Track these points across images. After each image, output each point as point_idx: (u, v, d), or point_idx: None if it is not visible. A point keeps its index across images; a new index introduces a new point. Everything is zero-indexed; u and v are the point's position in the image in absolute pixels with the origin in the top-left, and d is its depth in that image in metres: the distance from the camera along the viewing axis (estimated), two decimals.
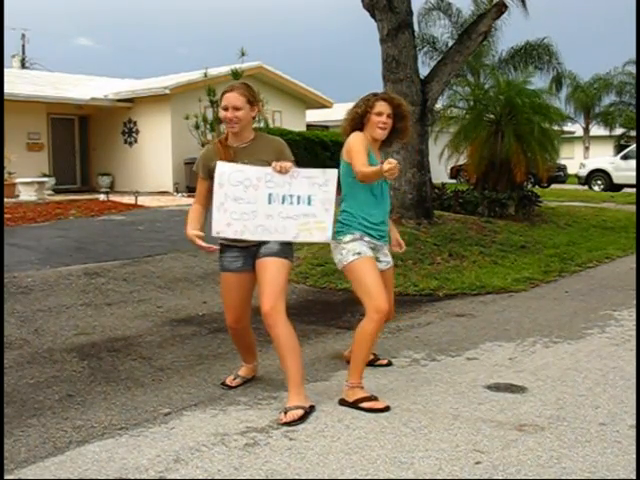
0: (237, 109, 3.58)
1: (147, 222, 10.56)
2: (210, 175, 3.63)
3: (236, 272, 3.71)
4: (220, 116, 3.66)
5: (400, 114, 3.92)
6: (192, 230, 3.62)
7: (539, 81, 22.67)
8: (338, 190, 3.67)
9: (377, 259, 3.92)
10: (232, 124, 3.60)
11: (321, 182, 3.60)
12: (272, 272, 3.57)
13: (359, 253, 3.75)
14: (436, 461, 2.96)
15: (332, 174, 3.62)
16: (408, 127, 4.01)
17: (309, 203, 3.59)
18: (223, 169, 3.53)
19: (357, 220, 3.83)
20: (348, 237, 3.79)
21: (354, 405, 3.59)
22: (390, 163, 3.34)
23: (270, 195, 3.55)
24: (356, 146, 3.77)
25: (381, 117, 3.84)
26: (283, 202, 3.56)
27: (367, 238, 3.84)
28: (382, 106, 3.84)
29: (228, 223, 3.54)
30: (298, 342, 3.61)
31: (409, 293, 6.69)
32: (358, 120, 3.90)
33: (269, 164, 3.59)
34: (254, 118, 3.72)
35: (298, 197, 3.58)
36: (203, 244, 3.58)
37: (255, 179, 3.54)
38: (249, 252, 3.68)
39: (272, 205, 3.55)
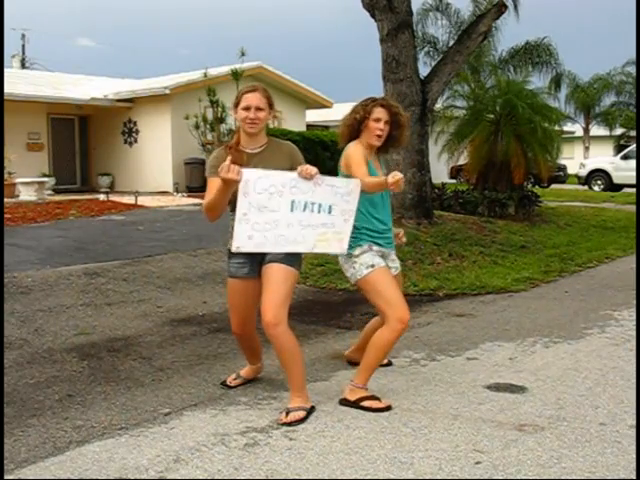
0: (260, 110, 3.54)
1: (147, 222, 10.56)
2: None
3: (242, 278, 3.68)
4: (240, 117, 3.56)
5: (397, 122, 3.85)
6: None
7: (539, 81, 22.65)
8: None
9: (386, 265, 3.87)
10: (253, 124, 3.55)
11: (344, 192, 3.55)
12: (276, 280, 3.52)
13: (372, 265, 3.72)
14: (436, 461, 2.96)
15: (356, 184, 3.58)
16: (404, 135, 3.94)
17: (330, 212, 3.54)
18: (248, 176, 3.39)
19: (361, 232, 3.78)
20: (357, 250, 3.75)
21: (355, 404, 3.60)
22: (395, 177, 3.35)
23: (293, 202, 3.47)
24: (355, 158, 3.74)
25: (379, 123, 3.78)
26: (304, 209, 3.50)
27: (376, 247, 3.80)
28: (380, 112, 3.79)
29: (249, 235, 3.44)
30: (299, 347, 3.60)
31: (409, 293, 6.67)
32: (357, 126, 3.85)
33: (283, 170, 3.53)
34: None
35: (319, 205, 3.52)
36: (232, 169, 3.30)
37: (280, 185, 3.45)
38: (255, 258, 3.63)
39: (294, 213, 3.48)
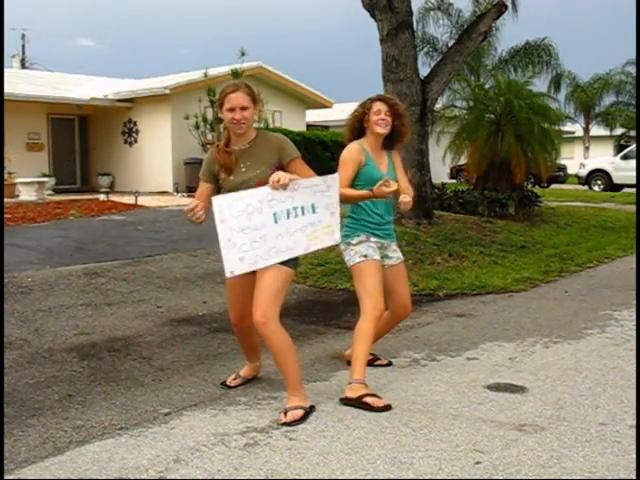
0: (244, 109, 3.52)
1: (147, 222, 10.56)
2: (214, 179, 3.64)
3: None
4: (226, 118, 3.56)
5: (396, 112, 4.05)
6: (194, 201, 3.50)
7: (539, 81, 22.70)
8: None
9: (386, 256, 4.10)
10: (240, 125, 3.53)
11: (323, 189, 3.57)
12: (267, 279, 3.51)
13: (365, 256, 3.94)
14: (436, 461, 2.96)
15: (333, 179, 3.61)
16: (405, 125, 4.13)
17: (314, 211, 3.55)
18: (221, 203, 3.38)
19: (360, 223, 4.03)
20: (356, 239, 3.99)
21: (357, 401, 3.60)
22: (387, 186, 3.72)
23: (275, 214, 3.46)
24: (343, 161, 3.98)
25: (380, 115, 3.99)
26: (288, 217, 3.49)
27: (373, 238, 4.02)
28: (379, 105, 4.02)
29: (240, 258, 3.42)
30: (292, 345, 3.59)
31: None
32: (358, 124, 4.07)
33: (271, 164, 3.55)
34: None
35: (302, 208, 3.52)
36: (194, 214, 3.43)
37: (257, 202, 3.42)
38: None
39: (279, 224, 3.47)
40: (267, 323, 3.46)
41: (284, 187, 3.43)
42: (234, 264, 3.43)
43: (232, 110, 3.51)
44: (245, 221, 3.41)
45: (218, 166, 3.62)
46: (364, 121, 4.04)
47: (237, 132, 3.58)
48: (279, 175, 3.43)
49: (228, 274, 3.45)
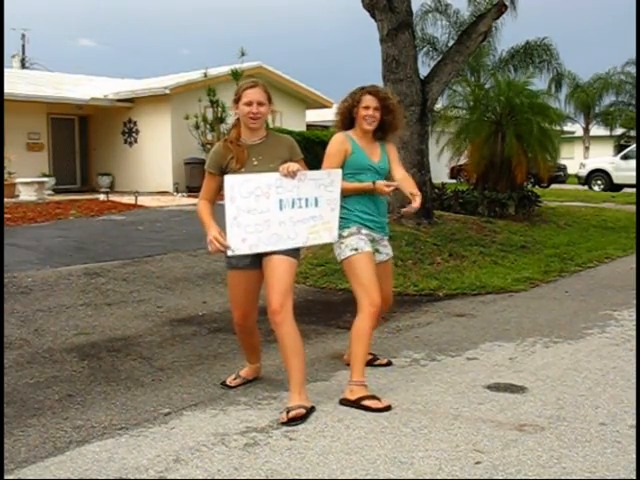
0: (261, 104, 3.64)
1: (147, 222, 10.56)
2: (222, 172, 3.67)
3: (243, 269, 3.71)
4: (242, 112, 3.65)
5: (387, 107, 3.97)
6: (216, 228, 3.57)
7: (539, 81, 22.70)
8: None
9: (377, 250, 4.01)
10: (255, 119, 3.64)
11: (327, 183, 3.68)
12: (280, 270, 3.59)
13: (356, 249, 3.84)
14: (436, 461, 2.96)
15: (337, 174, 3.73)
16: (397, 119, 4.05)
17: (316, 205, 3.66)
18: (232, 182, 3.50)
19: (353, 213, 3.92)
20: (346, 232, 3.88)
21: (356, 403, 3.60)
22: (389, 186, 3.74)
23: (281, 201, 3.58)
24: (329, 151, 3.94)
25: (368, 111, 3.91)
26: (293, 206, 3.61)
27: (365, 230, 3.92)
28: (368, 100, 3.93)
29: (243, 238, 3.52)
30: (302, 342, 3.62)
31: (409, 293, 6.69)
32: (347, 115, 4.01)
33: (285, 160, 3.65)
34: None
35: (306, 200, 3.64)
36: (220, 247, 3.52)
37: (265, 186, 3.54)
38: None
39: (283, 211, 3.58)
40: (284, 312, 3.52)
41: (293, 175, 3.56)
42: (237, 243, 3.52)
43: (250, 104, 3.62)
44: (253, 203, 3.52)
45: (228, 159, 3.67)
46: (353, 112, 3.97)
47: (251, 126, 3.67)
48: (289, 163, 3.59)
49: (230, 252, 3.53)
